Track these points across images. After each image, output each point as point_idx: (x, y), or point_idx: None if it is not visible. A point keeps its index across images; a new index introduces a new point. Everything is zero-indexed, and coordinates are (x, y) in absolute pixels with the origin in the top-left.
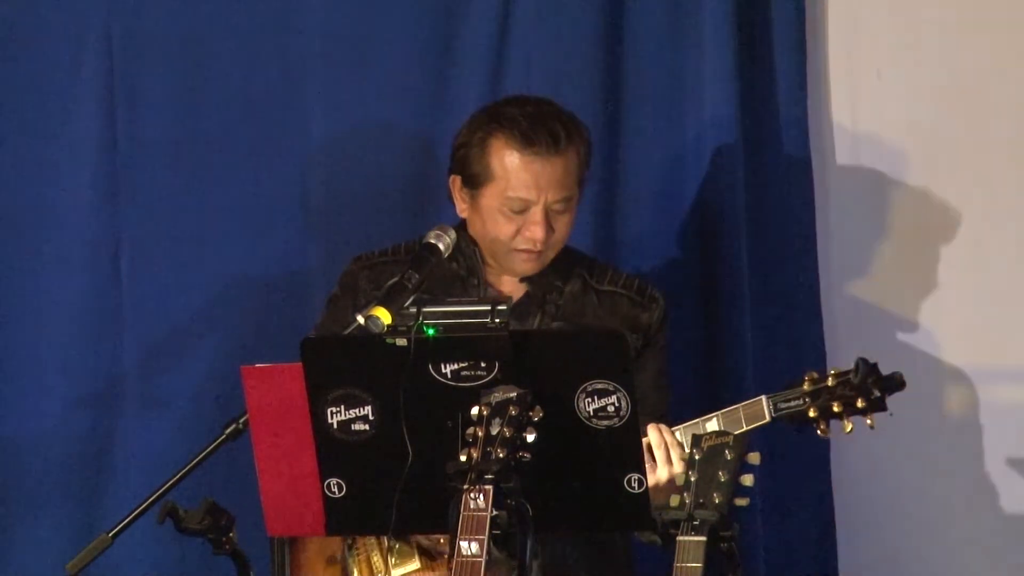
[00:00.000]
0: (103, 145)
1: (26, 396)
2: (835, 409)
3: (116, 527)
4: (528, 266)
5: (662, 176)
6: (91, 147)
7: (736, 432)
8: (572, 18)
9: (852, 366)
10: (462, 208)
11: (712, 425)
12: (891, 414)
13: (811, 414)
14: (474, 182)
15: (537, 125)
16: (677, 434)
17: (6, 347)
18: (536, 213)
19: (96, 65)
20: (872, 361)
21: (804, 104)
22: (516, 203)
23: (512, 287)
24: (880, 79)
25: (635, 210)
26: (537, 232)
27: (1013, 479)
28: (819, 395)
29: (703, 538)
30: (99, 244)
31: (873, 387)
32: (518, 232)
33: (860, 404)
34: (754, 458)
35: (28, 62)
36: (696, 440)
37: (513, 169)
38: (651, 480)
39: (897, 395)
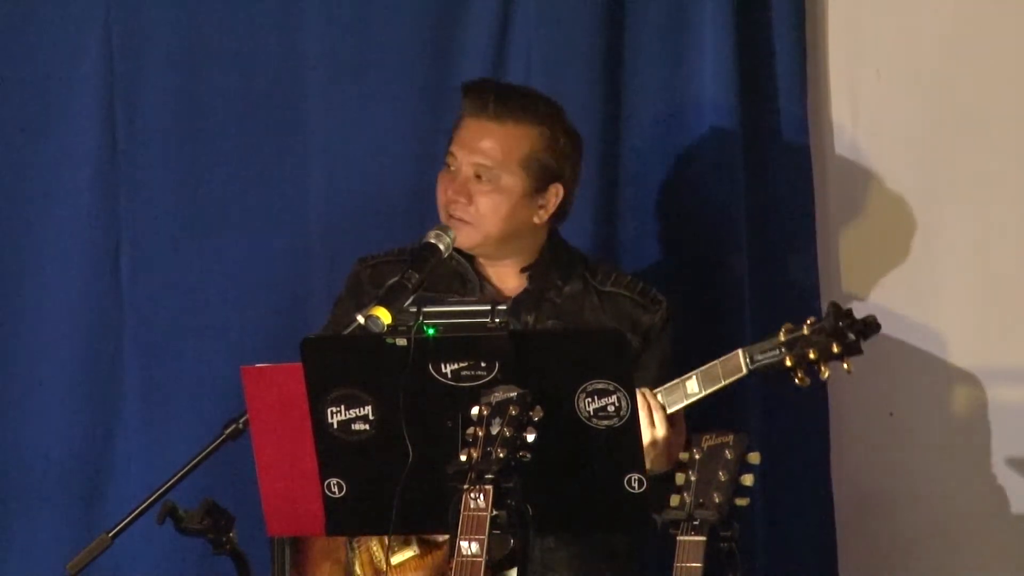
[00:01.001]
0: (103, 145)
1: (26, 396)
2: (811, 356)
3: (116, 527)
4: (458, 237)
5: (662, 176)
6: (91, 147)
7: (715, 388)
8: (572, 18)
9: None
10: None
11: (692, 384)
12: (891, 414)
13: (788, 363)
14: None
15: (491, 92)
16: (659, 395)
17: (6, 347)
18: (456, 172)
19: (96, 65)
20: (846, 307)
21: (804, 103)
22: (449, 159)
23: (512, 281)
24: (880, 79)
25: (635, 209)
26: (448, 190)
27: (1014, 479)
28: (795, 344)
29: (703, 538)
30: (99, 244)
31: (847, 330)
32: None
33: (836, 349)
34: (754, 458)
35: (28, 62)
36: (696, 440)
37: (457, 128)
38: None
39: (898, 394)
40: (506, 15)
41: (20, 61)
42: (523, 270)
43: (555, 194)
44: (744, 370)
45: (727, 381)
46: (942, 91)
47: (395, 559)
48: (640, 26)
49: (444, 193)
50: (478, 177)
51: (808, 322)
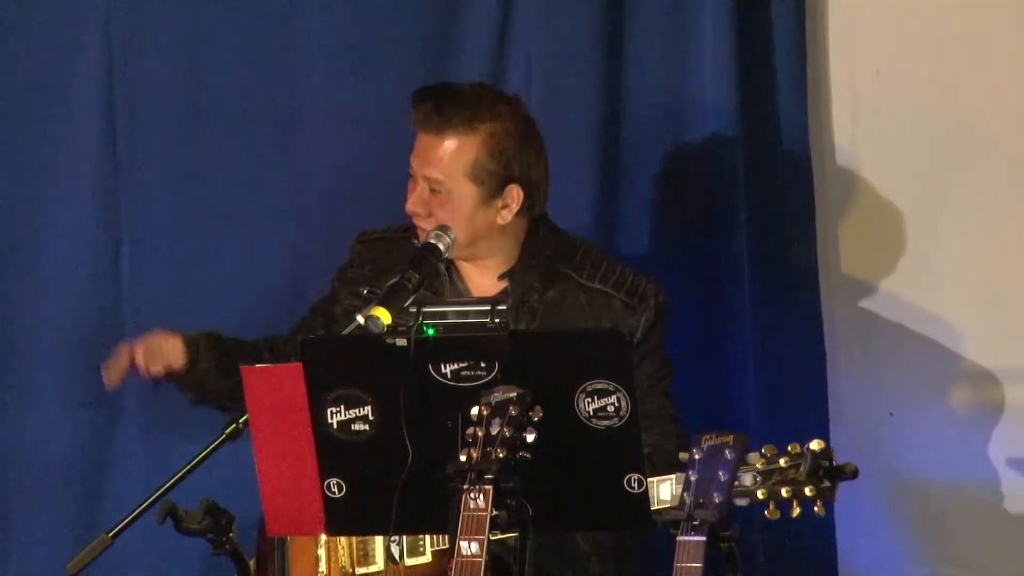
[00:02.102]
0: (103, 145)
1: (26, 396)
2: (783, 495)
3: (116, 527)
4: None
5: (662, 176)
6: (91, 147)
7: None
8: (572, 18)
9: (803, 450)
10: None
11: (665, 488)
12: (891, 414)
13: (760, 496)
14: None
15: (431, 102)
16: (666, 485)
17: (6, 347)
18: (415, 183)
19: (96, 65)
20: (822, 447)
21: (804, 104)
22: (410, 169)
23: (488, 281)
24: (880, 79)
25: (635, 210)
26: (408, 204)
27: (1015, 479)
28: (770, 476)
29: (703, 538)
30: (99, 244)
31: (824, 477)
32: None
33: (808, 492)
34: (754, 458)
35: (28, 62)
36: (696, 440)
37: (415, 138)
38: None
39: (897, 396)
40: (506, 15)
41: (20, 61)
42: (500, 277)
43: (514, 192)
44: None
45: None
46: (942, 91)
47: (361, 570)
48: (640, 26)
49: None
50: (433, 191)
51: (788, 450)
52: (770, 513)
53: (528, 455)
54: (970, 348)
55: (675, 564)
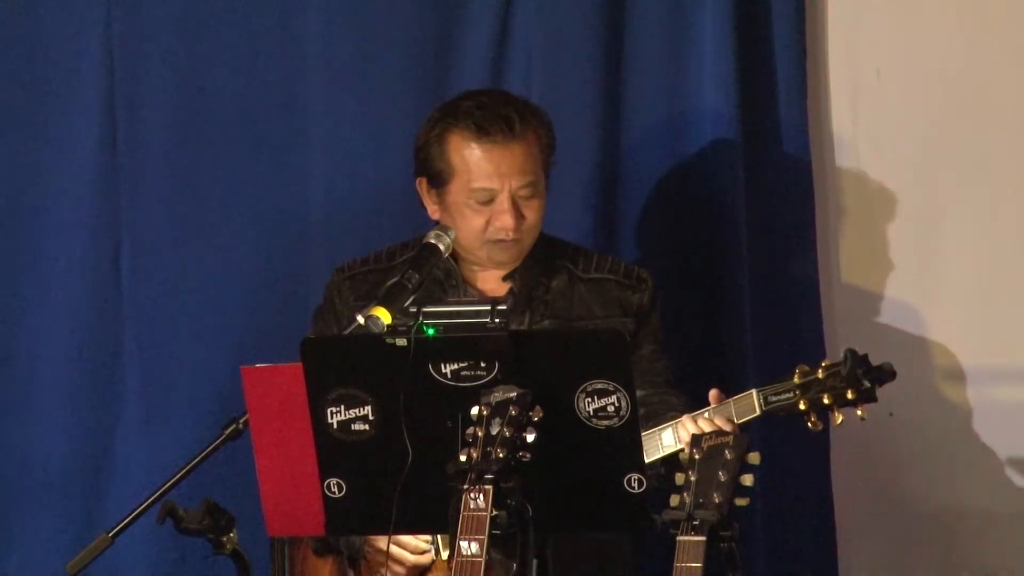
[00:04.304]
0: (103, 145)
1: (26, 396)
2: (825, 401)
3: (116, 527)
4: (507, 255)
5: (662, 176)
6: (91, 147)
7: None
8: (572, 18)
9: (841, 357)
10: (433, 209)
11: (668, 435)
12: (891, 414)
13: (801, 407)
14: (439, 180)
15: (489, 113)
16: (668, 432)
17: (6, 347)
18: (503, 202)
19: (96, 65)
20: (861, 352)
21: (804, 104)
22: (481, 194)
23: (494, 285)
24: (880, 79)
25: (635, 210)
26: (507, 221)
27: (1014, 479)
28: (809, 387)
29: (703, 538)
30: (99, 244)
31: (863, 378)
32: (488, 224)
33: (850, 395)
34: (754, 458)
35: (28, 62)
36: (696, 440)
37: (473, 161)
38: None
39: (898, 394)
40: (506, 15)
41: (20, 61)
42: (505, 278)
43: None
44: (758, 410)
45: (740, 421)
46: (942, 91)
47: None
48: (640, 26)
49: (490, 227)
50: (523, 197)
51: (823, 364)
52: (812, 424)
53: (528, 455)
54: (970, 348)
55: (675, 564)
